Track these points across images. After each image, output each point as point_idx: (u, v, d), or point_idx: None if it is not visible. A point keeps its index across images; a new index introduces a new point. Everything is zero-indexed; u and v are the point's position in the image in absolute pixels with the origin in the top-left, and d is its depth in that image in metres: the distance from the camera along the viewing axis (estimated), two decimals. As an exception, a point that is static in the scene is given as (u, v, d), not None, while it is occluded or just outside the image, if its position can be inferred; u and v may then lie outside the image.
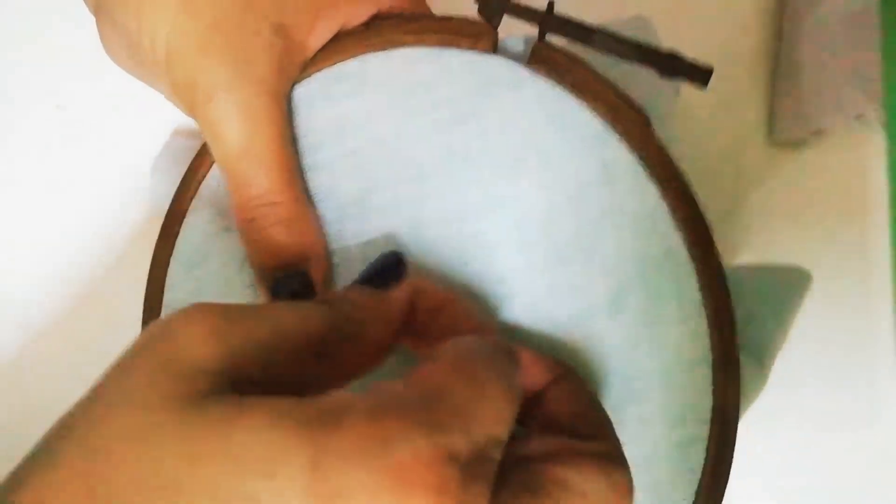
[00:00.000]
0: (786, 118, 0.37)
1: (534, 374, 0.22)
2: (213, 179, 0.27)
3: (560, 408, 0.22)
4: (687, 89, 0.35)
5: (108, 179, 0.40)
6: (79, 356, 0.39)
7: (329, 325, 0.20)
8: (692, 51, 0.37)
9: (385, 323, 0.22)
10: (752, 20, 0.38)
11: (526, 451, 0.20)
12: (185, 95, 0.24)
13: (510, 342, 0.23)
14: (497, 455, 0.18)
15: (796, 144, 0.38)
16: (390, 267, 0.23)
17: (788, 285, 0.30)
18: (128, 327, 0.30)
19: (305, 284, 0.24)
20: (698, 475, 0.24)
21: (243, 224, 0.25)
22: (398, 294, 0.22)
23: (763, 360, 0.29)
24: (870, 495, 0.37)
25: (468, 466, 0.16)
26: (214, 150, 0.24)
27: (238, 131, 0.24)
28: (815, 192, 0.38)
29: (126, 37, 0.25)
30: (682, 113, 0.36)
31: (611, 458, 0.20)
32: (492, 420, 0.18)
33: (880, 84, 0.35)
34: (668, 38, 0.30)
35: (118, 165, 0.40)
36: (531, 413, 0.22)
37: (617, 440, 0.21)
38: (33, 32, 0.41)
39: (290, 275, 0.24)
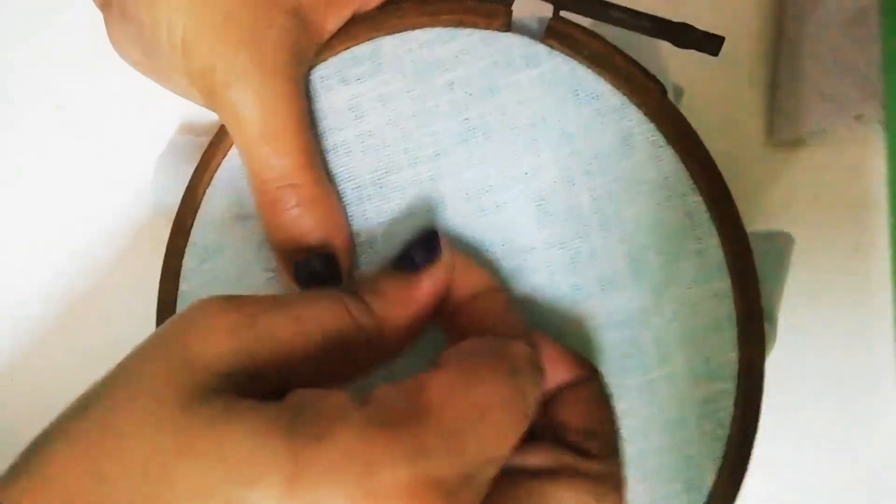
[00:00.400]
0: (786, 118, 0.37)
1: (554, 374, 0.22)
2: (225, 171, 0.27)
3: (571, 418, 0.21)
4: (687, 90, 0.36)
5: (108, 179, 0.40)
6: (81, 357, 0.39)
7: (353, 322, 0.20)
8: (692, 51, 0.37)
9: (413, 315, 0.21)
10: (753, 20, 0.38)
11: (523, 463, 0.19)
12: (204, 83, 0.24)
13: (534, 329, 0.23)
14: (492, 472, 0.17)
15: (796, 144, 0.38)
16: (422, 246, 0.22)
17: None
18: (134, 323, 0.30)
19: (329, 266, 0.24)
20: (727, 430, 0.24)
21: (264, 207, 0.25)
22: (430, 283, 0.22)
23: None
24: (870, 496, 0.37)
25: (454, 491, 0.16)
26: (234, 135, 0.25)
27: (257, 115, 0.24)
28: (815, 192, 0.38)
29: (139, 30, 0.25)
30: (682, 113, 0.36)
31: (608, 481, 0.20)
32: (491, 441, 0.17)
33: (880, 84, 0.35)
34: (668, 38, 0.30)
35: (119, 165, 0.40)
36: (541, 412, 0.21)
37: (619, 459, 0.21)
38: (33, 32, 0.41)
39: (313, 257, 0.24)
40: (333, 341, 0.19)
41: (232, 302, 0.18)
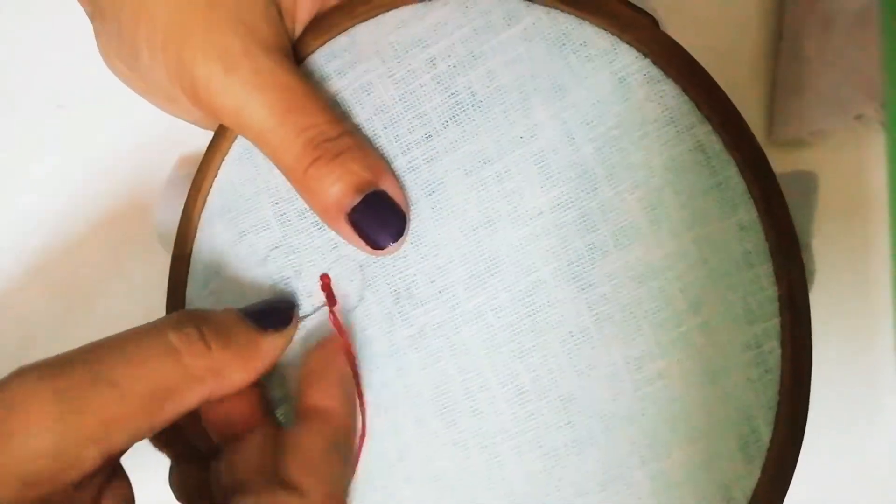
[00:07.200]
0: (786, 118, 0.37)
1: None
2: (216, 193, 0.26)
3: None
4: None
5: (108, 179, 0.40)
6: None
7: (184, 376, 0.21)
8: (692, 50, 0.37)
9: (251, 374, 0.23)
10: (753, 20, 0.38)
11: None
12: (184, 79, 0.24)
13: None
14: None
15: (796, 144, 0.38)
16: (280, 311, 0.24)
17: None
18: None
19: (389, 204, 0.24)
20: (777, 374, 0.22)
21: (308, 168, 0.24)
22: (272, 348, 0.23)
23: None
24: (870, 496, 0.37)
25: None
26: (252, 118, 0.24)
27: (274, 90, 0.23)
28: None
29: (119, 34, 0.24)
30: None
31: None
32: None
33: (880, 84, 0.35)
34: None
35: (119, 165, 0.40)
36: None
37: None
38: (33, 32, 0.41)
39: (370, 196, 0.24)
40: (161, 399, 0.20)
41: (50, 385, 0.19)
